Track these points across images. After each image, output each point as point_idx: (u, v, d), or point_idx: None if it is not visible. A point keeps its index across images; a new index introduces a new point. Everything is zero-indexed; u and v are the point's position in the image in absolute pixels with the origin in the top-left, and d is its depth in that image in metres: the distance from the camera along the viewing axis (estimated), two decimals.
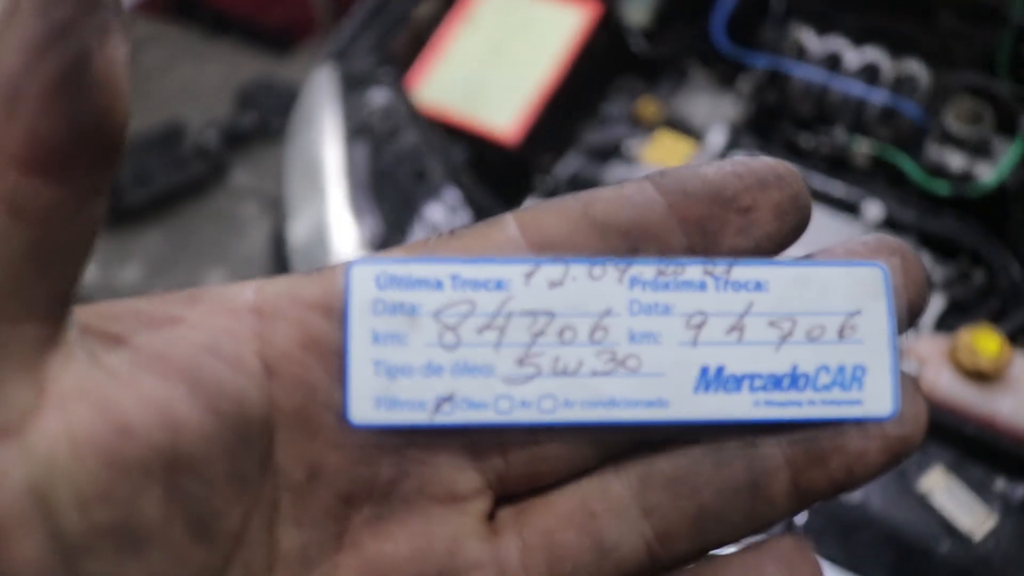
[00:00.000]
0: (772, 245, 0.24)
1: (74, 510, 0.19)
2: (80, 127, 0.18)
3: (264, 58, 2.62)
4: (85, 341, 0.20)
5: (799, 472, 0.24)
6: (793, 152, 1.15)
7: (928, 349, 0.88)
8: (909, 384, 0.24)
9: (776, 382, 0.24)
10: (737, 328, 0.24)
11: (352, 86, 1.10)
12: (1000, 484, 0.79)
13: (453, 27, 1.19)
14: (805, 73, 1.11)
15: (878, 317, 0.24)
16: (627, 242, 0.24)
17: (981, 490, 0.79)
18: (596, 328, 0.23)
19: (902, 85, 1.09)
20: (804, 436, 0.24)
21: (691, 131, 1.18)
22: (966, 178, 1.06)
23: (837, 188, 1.08)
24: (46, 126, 0.17)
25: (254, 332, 0.22)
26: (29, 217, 0.18)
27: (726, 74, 1.23)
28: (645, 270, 0.23)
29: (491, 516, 0.25)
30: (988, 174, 1.05)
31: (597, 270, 0.23)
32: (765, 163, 0.24)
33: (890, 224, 1.05)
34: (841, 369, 0.24)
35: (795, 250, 0.26)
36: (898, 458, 0.24)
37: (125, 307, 0.22)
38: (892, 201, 1.07)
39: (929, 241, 1.06)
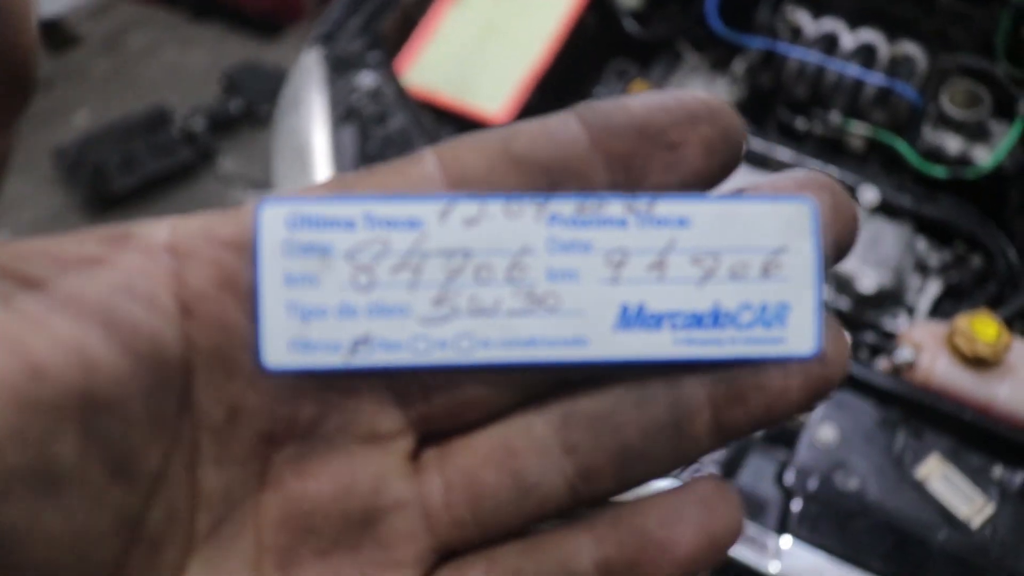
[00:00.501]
0: (700, 182, 0.24)
1: None
2: None
3: (250, 42, 2.60)
4: None
5: (720, 410, 0.24)
6: (788, 135, 1.13)
7: (925, 335, 0.87)
8: (832, 323, 0.24)
9: (697, 320, 0.24)
10: (658, 265, 0.23)
11: (340, 69, 1.08)
12: (998, 471, 0.79)
13: (443, 9, 1.17)
14: (800, 55, 1.09)
15: (804, 254, 0.24)
16: (548, 178, 0.23)
17: (979, 477, 0.78)
18: (514, 266, 0.23)
19: (898, 67, 1.08)
20: (725, 375, 0.24)
21: None
22: (963, 162, 1.04)
23: (832, 172, 1.07)
24: None
25: (169, 271, 0.22)
26: None
27: (720, 57, 1.22)
28: (564, 207, 0.23)
29: (415, 456, 0.25)
30: (985, 157, 1.04)
31: (514, 207, 0.23)
32: (696, 97, 0.23)
33: (886, 208, 1.04)
34: (764, 307, 0.24)
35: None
36: (818, 396, 0.24)
37: (37, 247, 0.21)
38: (888, 185, 1.06)
39: (925, 226, 1.05)
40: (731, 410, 0.24)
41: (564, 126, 0.23)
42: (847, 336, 0.24)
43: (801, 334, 0.24)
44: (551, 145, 0.23)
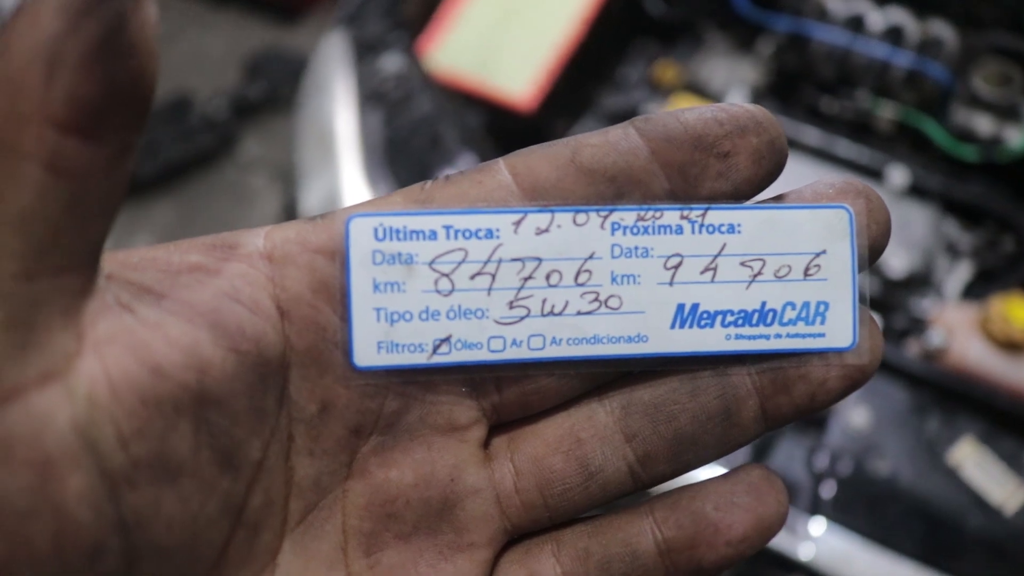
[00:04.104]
0: (750, 188, 0.26)
1: (115, 445, 0.20)
2: (116, 89, 0.19)
3: (271, 26, 2.59)
4: (112, 288, 0.21)
5: (767, 399, 0.26)
6: (815, 116, 1.12)
7: (957, 318, 0.86)
8: (867, 318, 0.26)
9: (746, 317, 0.26)
10: (711, 268, 0.26)
11: (364, 52, 1.07)
12: None
13: None
14: (827, 35, 1.08)
15: (842, 256, 0.26)
16: (613, 186, 0.25)
17: (1013, 462, 0.77)
18: (580, 271, 0.26)
19: (927, 47, 1.06)
20: (771, 366, 0.26)
21: (710, 95, 1.15)
22: (994, 142, 1.03)
23: (861, 153, 1.06)
24: (85, 88, 0.18)
25: (268, 277, 0.24)
26: (68, 175, 0.19)
27: (745, 37, 1.20)
28: (626, 216, 0.25)
29: (486, 444, 0.27)
30: (1017, 138, 1.02)
31: (581, 217, 0.25)
32: (745, 109, 0.26)
33: (915, 190, 1.03)
34: (806, 305, 0.26)
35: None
36: (855, 385, 0.26)
37: (146, 257, 0.23)
38: (917, 167, 1.04)
39: (955, 207, 1.03)
40: (777, 399, 0.26)
41: (625, 138, 0.25)
42: (880, 328, 0.27)
43: (840, 329, 0.26)
44: (615, 155, 0.25)
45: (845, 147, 1.07)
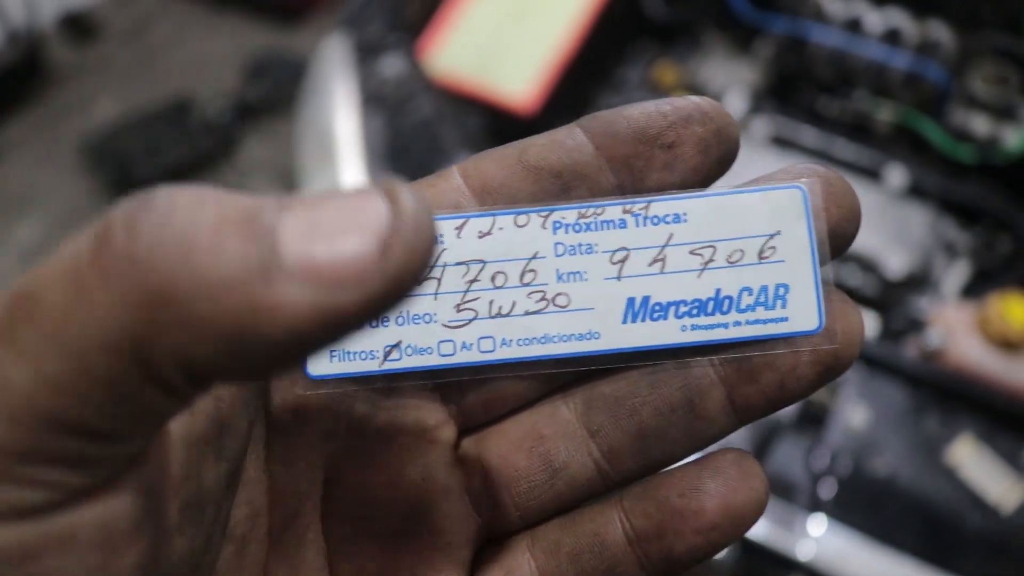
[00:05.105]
0: (699, 177, 0.26)
1: (173, 507, 0.21)
2: None
3: (272, 29, 2.60)
4: None
5: (733, 389, 0.26)
6: (814, 117, 1.12)
7: (955, 317, 0.86)
8: (840, 299, 0.25)
9: (701, 306, 0.25)
10: (659, 259, 0.26)
11: (365, 54, 1.08)
12: None
13: None
14: (825, 37, 1.08)
15: (799, 236, 0.25)
16: (559, 182, 0.26)
17: (1011, 460, 0.77)
18: (525, 271, 0.26)
19: (925, 48, 1.07)
20: (735, 355, 0.25)
21: (709, 96, 1.16)
22: (991, 142, 1.03)
23: (859, 154, 1.06)
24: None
25: None
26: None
27: (743, 38, 1.21)
28: (567, 214, 0.26)
29: (456, 446, 0.27)
30: (1013, 138, 1.02)
31: (522, 218, 0.26)
32: (691, 101, 0.26)
33: (914, 190, 1.03)
34: (764, 289, 0.25)
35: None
36: (830, 371, 0.25)
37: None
38: (915, 167, 1.05)
39: (953, 207, 1.04)
40: (744, 388, 0.26)
41: (570, 136, 0.26)
42: (860, 312, 0.25)
43: (804, 312, 0.25)
44: (560, 152, 0.26)
45: (843, 148, 1.07)
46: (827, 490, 0.76)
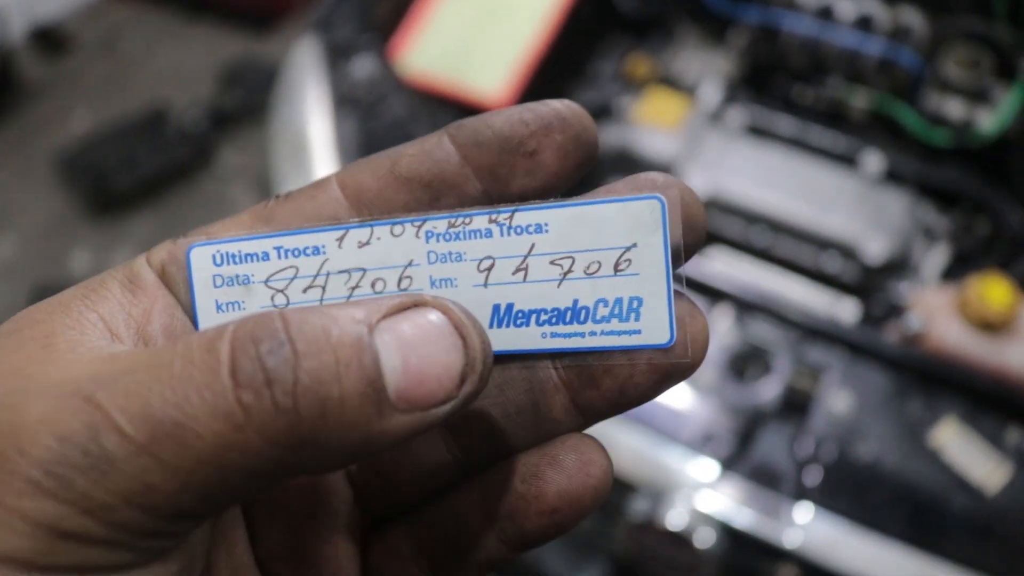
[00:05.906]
0: (559, 182, 0.27)
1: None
2: None
3: (245, 37, 2.59)
4: None
5: (576, 393, 0.27)
6: (789, 106, 1.12)
7: (935, 301, 0.86)
8: (688, 310, 0.26)
9: (560, 316, 0.26)
10: (522, 268, 0.26)
11: (336, 56, 1.07)
12: (1014, 436, 0.78)
13: None
14: (797, 26, 1.08)
15: (654, 249, 0.26)
16: (429, 192, 0.27)
17: (994, 441, 0.77)
18: (402, 277, 0.27)
19: (897, 33, 1.07)
20: (576, 361, 0.27)
21: (684, 88, 1.16)
22: (966, 125, 1.04)
23: (835, 141, 1.06)
24: None
25: (130, 307, 0.26)
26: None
27: (717, 29, 1.21)
28: (438, 224, 0.27)
29: None
30: (988, 121, 1.03)
31: (397, 228, 0.27)
32: (551, 108, 0.27)
33: (890, 176, 1.03)
34: (619, 301, 0.26)
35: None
36: (669, 378, 0.26)
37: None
38: (892, 152, 1.05)
39: (930, 192, 1.04)
40: (586, 392, 0.27)
41: (439, 146, 0.27)
42: (706, 321, 0.26)
43: (656, 326, 0.26)
44: (429, 163, 0.27)
45: (819, 135, 1.07)
46: (812, 477, 0.76)
